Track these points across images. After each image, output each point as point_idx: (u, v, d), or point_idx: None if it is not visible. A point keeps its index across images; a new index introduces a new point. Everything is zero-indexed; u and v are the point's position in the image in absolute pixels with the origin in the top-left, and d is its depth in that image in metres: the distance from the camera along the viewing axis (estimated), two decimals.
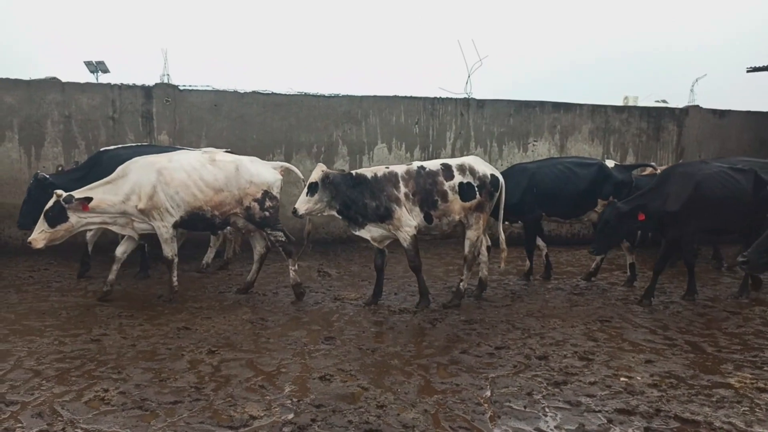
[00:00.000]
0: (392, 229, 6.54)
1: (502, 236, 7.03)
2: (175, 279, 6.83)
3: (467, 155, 11.24)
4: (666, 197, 6.95)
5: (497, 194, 6.79)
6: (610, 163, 8.64)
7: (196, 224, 6.87)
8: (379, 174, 6.58)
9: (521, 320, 6.34)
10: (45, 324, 5.90)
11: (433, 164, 6.71)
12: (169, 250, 6.71)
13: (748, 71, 12.91)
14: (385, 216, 6.48)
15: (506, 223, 7.78)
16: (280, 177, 7.12)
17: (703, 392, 4.45)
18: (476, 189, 6.61)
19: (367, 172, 6.67)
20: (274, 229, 7.01)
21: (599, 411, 4.12)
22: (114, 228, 6.69)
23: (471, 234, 6.70)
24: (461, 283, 6.86)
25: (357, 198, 6.48)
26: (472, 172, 6.64)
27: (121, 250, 6.86)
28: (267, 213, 6.91)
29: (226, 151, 7.23)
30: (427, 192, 6.51)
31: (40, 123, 9.67)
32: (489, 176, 6.69)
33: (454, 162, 6.73)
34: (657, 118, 12.54)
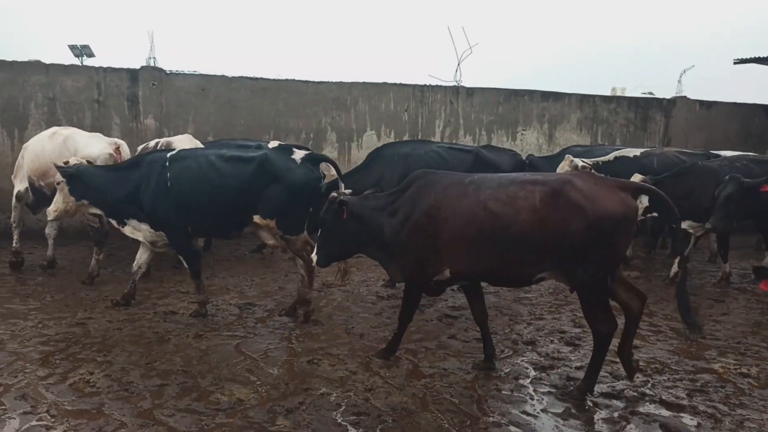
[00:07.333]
0: None
1: None
2: None
3: (456, 143, 11.32)
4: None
5: None
6: (273, 144, 8.50)
7: (37, 196, 7.08)
8: None
9: (509, 306, 6.37)
10: (29, 307, 5.83)
11: (153, 143, 7.90)
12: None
13: (735, 63, 12.94)
14: None
15: None
16: (108, 152, 6.71)
17: (687, 377, 4.51)
18: None
19: None
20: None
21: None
22: None
23: None
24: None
25: None
26: (168, 147, 7.00)
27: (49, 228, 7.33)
28: None
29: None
30: None
31: (23, 105, 9.49)
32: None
33: (162, 141, 7.76)
34: (644, 108, 12.59)
